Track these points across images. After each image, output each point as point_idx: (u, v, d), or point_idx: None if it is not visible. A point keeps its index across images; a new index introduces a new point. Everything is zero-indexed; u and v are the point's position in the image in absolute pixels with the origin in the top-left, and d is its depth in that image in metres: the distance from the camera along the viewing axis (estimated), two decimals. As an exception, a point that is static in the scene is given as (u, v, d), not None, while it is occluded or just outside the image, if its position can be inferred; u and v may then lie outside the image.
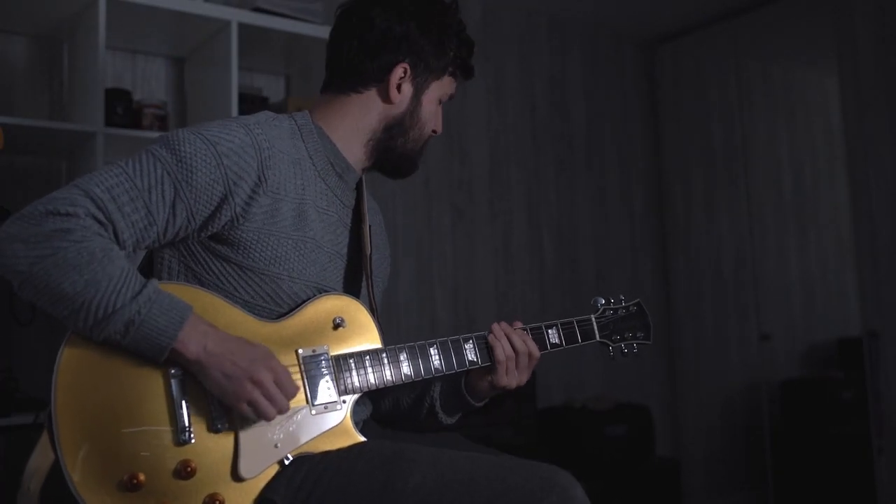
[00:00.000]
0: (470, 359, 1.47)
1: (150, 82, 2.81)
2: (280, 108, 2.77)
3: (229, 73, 2.50)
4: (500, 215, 3.68)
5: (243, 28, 2.55)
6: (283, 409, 1.26)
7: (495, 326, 1.50)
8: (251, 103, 2.71)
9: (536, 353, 1.51)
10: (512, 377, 1.50)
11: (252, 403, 1.23)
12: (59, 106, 2.63)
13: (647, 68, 4.30)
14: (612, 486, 3.28)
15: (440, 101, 1.52)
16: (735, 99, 3.95)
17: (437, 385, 1.57)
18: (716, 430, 4.02)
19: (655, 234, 4.23)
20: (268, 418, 1.25)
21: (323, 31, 2.67)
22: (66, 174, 2.60)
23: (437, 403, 1.57)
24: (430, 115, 1.51)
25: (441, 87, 1.51)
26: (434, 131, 1.53)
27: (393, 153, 1.50)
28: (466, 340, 1.48)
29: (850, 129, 3.37)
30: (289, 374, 1.27)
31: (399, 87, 1.45)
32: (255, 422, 1.27)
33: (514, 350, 1.49)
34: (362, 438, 1.36)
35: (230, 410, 1.26)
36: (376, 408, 1.61)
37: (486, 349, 1.49)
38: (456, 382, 1.55)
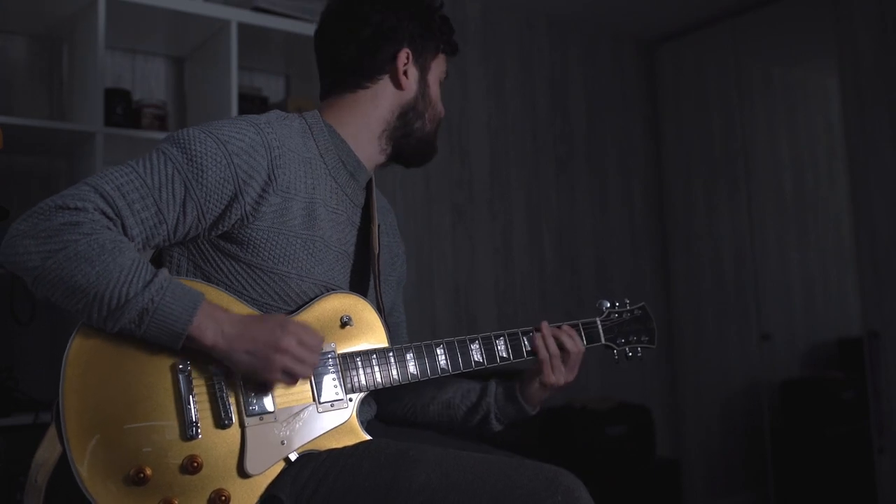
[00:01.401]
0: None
1: (149, 82, 2.81)
2: (280, 108, 2.77)
3: (229, 73, 2.50)
4: (500, 215, 3.67)
5: (243, 28, 2.55)
6: (315, 364, 1.28)
7: (544, 325, 1.53)
8: (251, 103, 2.71)
9: (582, 348, 1.55)
10: (560, 374, 1.52)
11: (285, 371, 1.24)
12: (58, 106, 2.63)
13: (647, 68, 4.31)
14: (612, 486, 3.28)
15: (440, 81, 1.55)
16: (735, 99, 3.95)
17: (493, 392, 1.57)
18: (716, 430, 4.02)
19: (655, 234, 4.23)
20: (305, 377, 1.28)
21: (323, 31, 2.67)
22: (65, 174, 2.59)
23: (493, 411, 1.57)
24: (437, 94, 1.54)
25: (438, 66, 1.54)
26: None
27: (412, 138, 1.51)
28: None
29: (850, 129, 3.37)
30: (308, 328, 1.28)
31: (406, 73, 1.47)
32: (262, 417, 1.27)
33: (560, 348, 1.52)
34: (368, 437, 1.36)
35: (238, 406, 1.26)
36: (394, 408, 1.62)
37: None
38: (510, 390, 1.56)
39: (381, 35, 1.45)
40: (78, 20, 2.45)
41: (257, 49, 2.77)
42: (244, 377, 1.26)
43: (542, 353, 1.51)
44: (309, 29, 2.66)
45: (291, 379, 1.26)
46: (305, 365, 1.26)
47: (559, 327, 1.55)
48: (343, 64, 1.47)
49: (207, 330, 1.20)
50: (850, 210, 3.40)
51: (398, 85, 1.47)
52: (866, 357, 3.26)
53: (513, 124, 3.77)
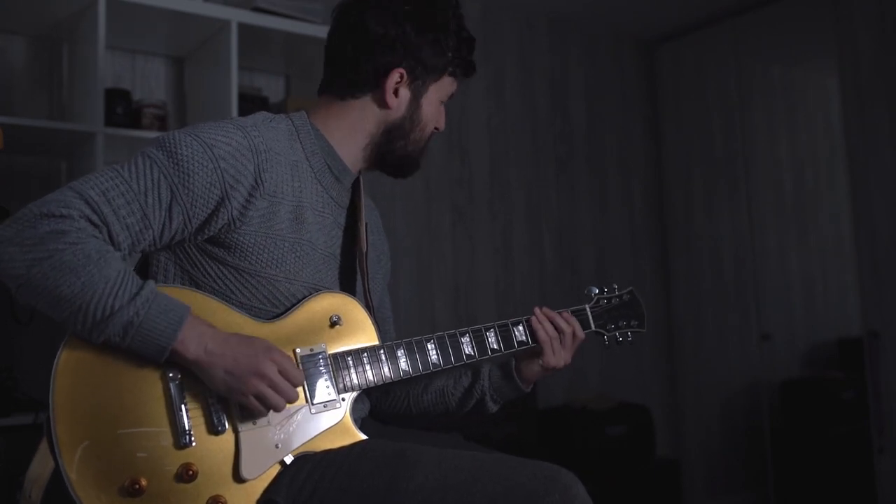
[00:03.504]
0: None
1: (149, 82, 2.81)
2: (280, 108, 2.77)
3: (229, 73, 2.50)
4: (500, 215, 3.67)
5: (243, 28, 2.55)
6: (291, 399, 1.26)
7: (537, 310, 1.54)
8: (251, 103, 2.71)
9: (581, 333, 1.57)
10: (559, 357, 1.54)
11: (259, 397, 1.23)
12: (58, 106, 2.63)
13: (647, 68, 4.30)
14: (612, 486, 3.28)
15: (441, 102, 1.50)
16: (735, 99, 3.95)
17: (486, 374, 1.58)
18: (716, 430, 4.02)
19: (655, 234, 4.22)
20: (278, 409, 1.25)
21: (323, 31, 2.65)
22: (65, 174, 2.59)
23: (488, 392, 1.58)
24: (431, 116, 1.49)
25: (441, 88, 1.48)
26: (436, 128, 1.52)
27: (393, 155, 1.48)
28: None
29: (850, 129, 3.37)
30: (292, 363, 1.28)
31: (396, 92, 1.42)
32: (256, 422, 1.27)
33: (557, 330, 1.53)
34: (363, 436, 1.36)
35: (231, 411, 1.26)
36: (388, 402, 1.61)
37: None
38: (507, 369, 1.57)
39: (376, 47, 1.40)
40: (78, 20, 2.45)
41: (257, 49, 2.77)
42: (219, 394, 1.24)
43: (543, 335, 1.52)
44: (309, 29, 2.67)
45: (263, 407, 1.24)
46: (280, 397, 1.24)
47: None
48: (336, 63, 1.45)
49: (190, 345, 1.19)
50: (850, 210, 3.40)
51: (384, 104, 1.43)
52: (866, 357, 3.26)
53: (513, 124, 3.77)
